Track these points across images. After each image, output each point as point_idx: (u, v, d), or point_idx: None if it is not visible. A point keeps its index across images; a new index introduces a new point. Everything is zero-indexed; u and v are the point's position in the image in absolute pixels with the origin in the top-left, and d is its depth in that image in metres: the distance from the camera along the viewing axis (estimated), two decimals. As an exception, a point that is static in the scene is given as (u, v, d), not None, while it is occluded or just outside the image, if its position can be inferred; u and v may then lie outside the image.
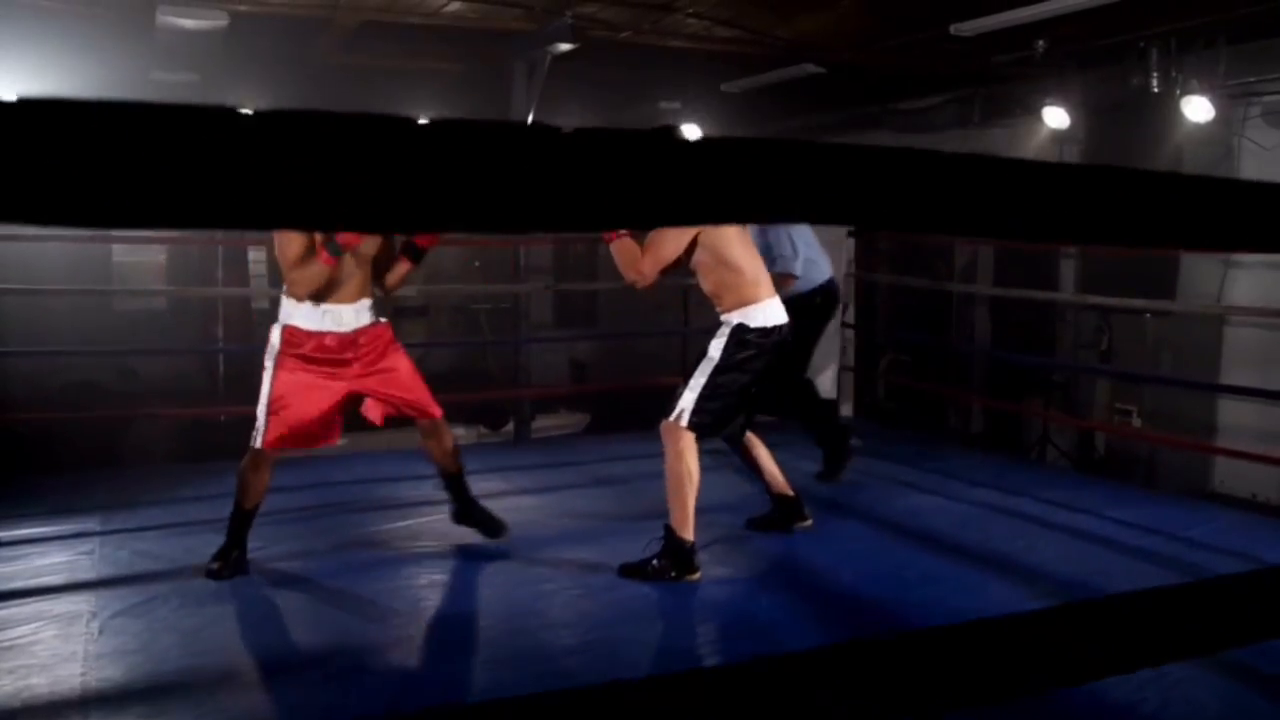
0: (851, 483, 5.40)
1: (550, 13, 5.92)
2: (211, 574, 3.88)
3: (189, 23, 5.89)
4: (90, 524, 4.59)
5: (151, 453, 7.27)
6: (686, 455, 3.83)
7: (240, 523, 3.97)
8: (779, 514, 4.44)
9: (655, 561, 3.86)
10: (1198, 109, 6.11)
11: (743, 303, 3.93)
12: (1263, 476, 6.13)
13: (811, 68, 7.21)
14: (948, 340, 8.48)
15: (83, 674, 3.09)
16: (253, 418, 3.90)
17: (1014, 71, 7.39)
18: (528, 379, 6.75)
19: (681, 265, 3.97)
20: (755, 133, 10.57)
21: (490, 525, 4.30)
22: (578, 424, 7.97)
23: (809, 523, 4.45)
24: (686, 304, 11.89)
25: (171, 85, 7.51)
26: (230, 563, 3.92)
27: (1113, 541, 4.41)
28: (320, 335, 3.87)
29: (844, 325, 7.02)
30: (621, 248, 3.90)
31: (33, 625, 3.44)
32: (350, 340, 3.93)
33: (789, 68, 7.32)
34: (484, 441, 7.24)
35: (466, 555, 4.22)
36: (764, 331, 3.92)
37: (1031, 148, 8.06)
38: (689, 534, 3.83)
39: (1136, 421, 6.91)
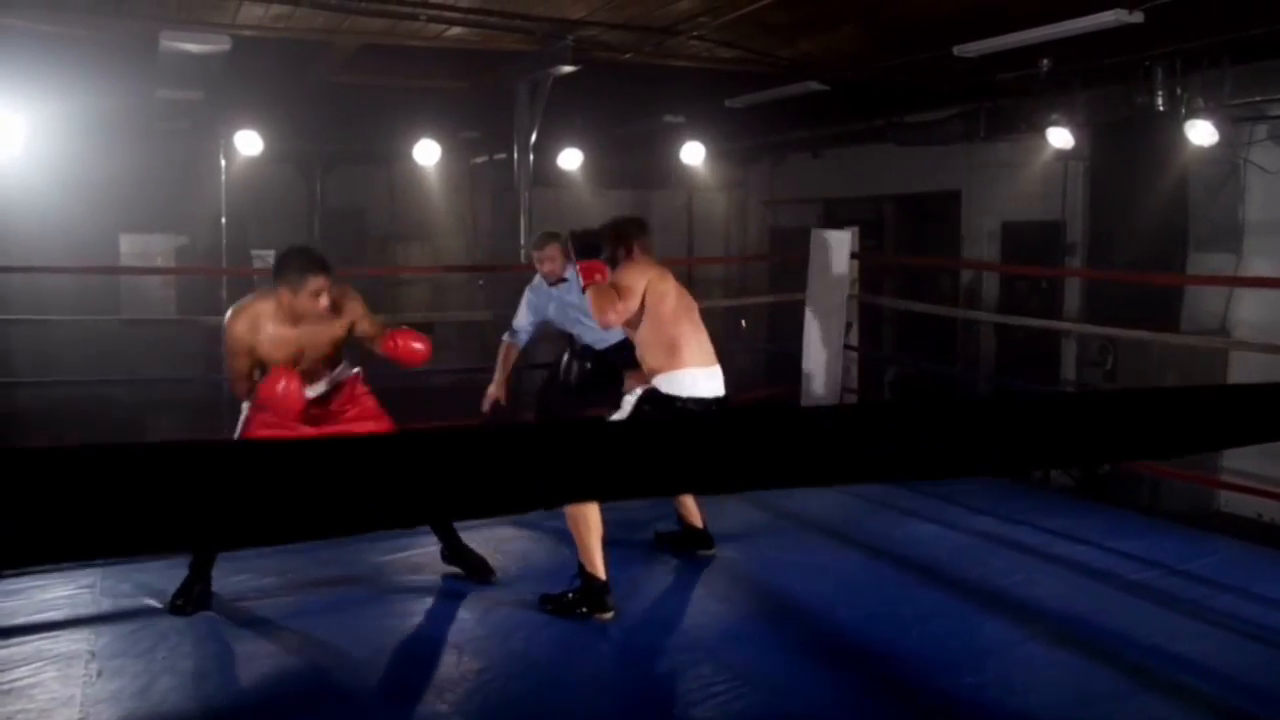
0: (851, 509, 5.41)
1: (551, 36, 5.92)
2: (175, 610, 3.90)
3: (192, 46, 5.92)
4: (92, 554, 4.62)
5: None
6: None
7: (206, 558, 3.99)
8: (687, 540, 4.64)
9: (570, 595, 3.95)
10: (1202, 133, 6.08)
11: (666, 367, 4.01)
12: (1267, 497, 6.10)
13: (815, 85, 7.20)
14: (948, 364, 8.48)
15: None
16: None
17: (1019, 87, 7.36)
18: (528, 404, 6.74)
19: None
20: (760, 143, 10.57)
21: (478, 568, 4.33)
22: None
23: (712, 551, 4.61)
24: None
25: (177, 102, 7.56)
26: (194, 598, 3.95)
27: (1111, 575, 4.39)
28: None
29: (847, 347, 7.03)
30: (598, 293, 3.99)
31: (32, 666, 3.47)
32: (318, 399, 4.02)
33: (792, 84, 7.31)
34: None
35: (468, 590, 4.23)
36: (681, 400, 3.98)
37: (1038, 164, 8.04)
38: (600, 572, 3.91)
39: (1141, 441, 6.87)
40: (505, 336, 5.46)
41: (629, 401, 4.05)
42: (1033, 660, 3.62)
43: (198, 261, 9.99)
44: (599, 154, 9.85)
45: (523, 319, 5.46)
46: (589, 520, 3.91)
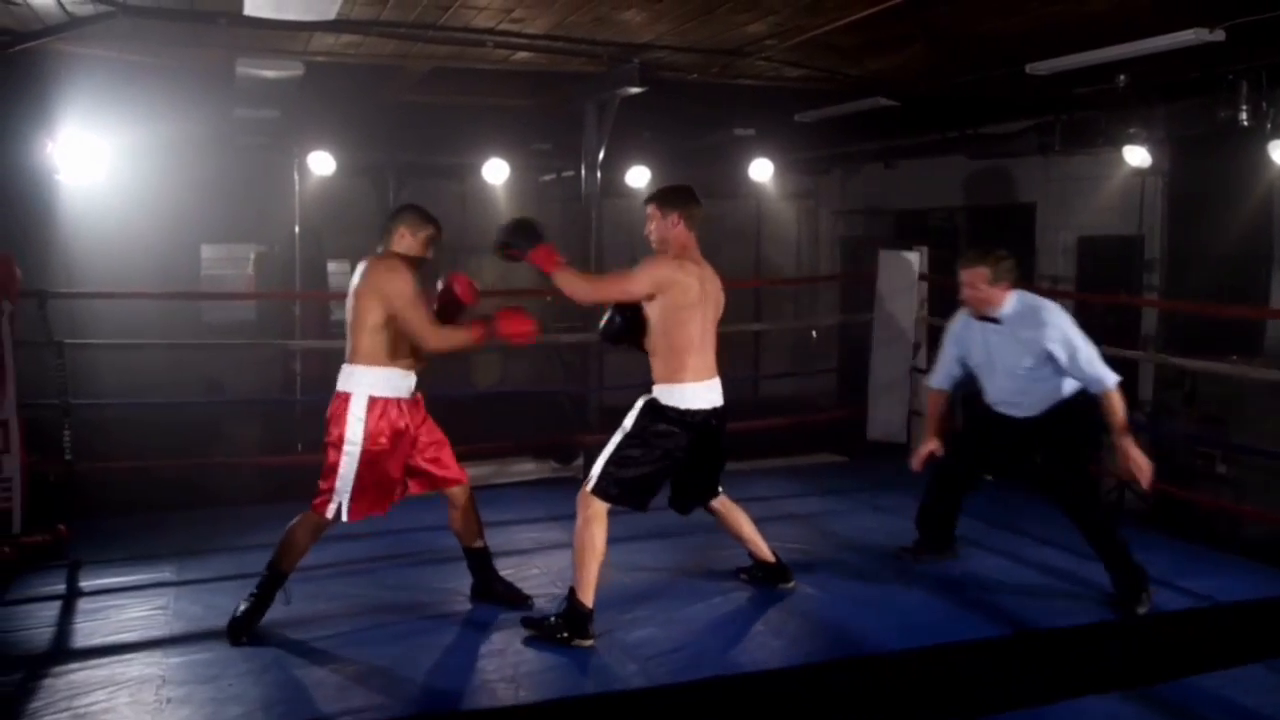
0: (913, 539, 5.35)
1: (618, 59, 5.94)
2: (235, 642, 3.96)
3: (268, 72, 6.08)
4: (166, 573, 4.76)
5: (231, 481, 7.46)
6: (593, 524, 3.94)
7: (275, 584, 4.06)
8: (764, 576, 4.57)
9: (552, 619, 3.99)
10: (1287, 154, 5.88)
11: (667, 378, 4.00)
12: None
13: (884, 100, 7.12)
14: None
15: (150, 749, 3.21)
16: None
17: (1096, 101, 7.19)
18: (597, 421, 6.78)
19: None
20: (831, 154, 10.46)
21: (514, 599, 4.35)
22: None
23: (791, 585, 4.53)
24: (758, 349, 11.89)
25: (254, 121, 7.75)
26: (251, 630, 4.00)
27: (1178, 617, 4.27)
28: (397, 402, 3.99)
29: (915, 369, 6.93)
30: (567, 279, 3.96)
31: (107, 691, 3.57)
32: (412, 406, 4.07)
33: (861, 100, 7.24)
34: (554, 477, 7.30)
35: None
36: (679, 412, 3.98)
37: (1116, 178, 7.85)
38: (588, 600, 3.94)
39: (1220, 467, 6.68)
40: (928, 381, 4.90)
41: (630, 418, 4.03)
42: (1096, 711, 3.54)
43: (275, 270, 10.22)
44: (668, 165, 9.84)
45: (944, 357, 4.72)
46: (596, 547, 3.93)
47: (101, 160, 6.83)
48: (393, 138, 9.09)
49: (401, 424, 3.99)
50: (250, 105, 7.21)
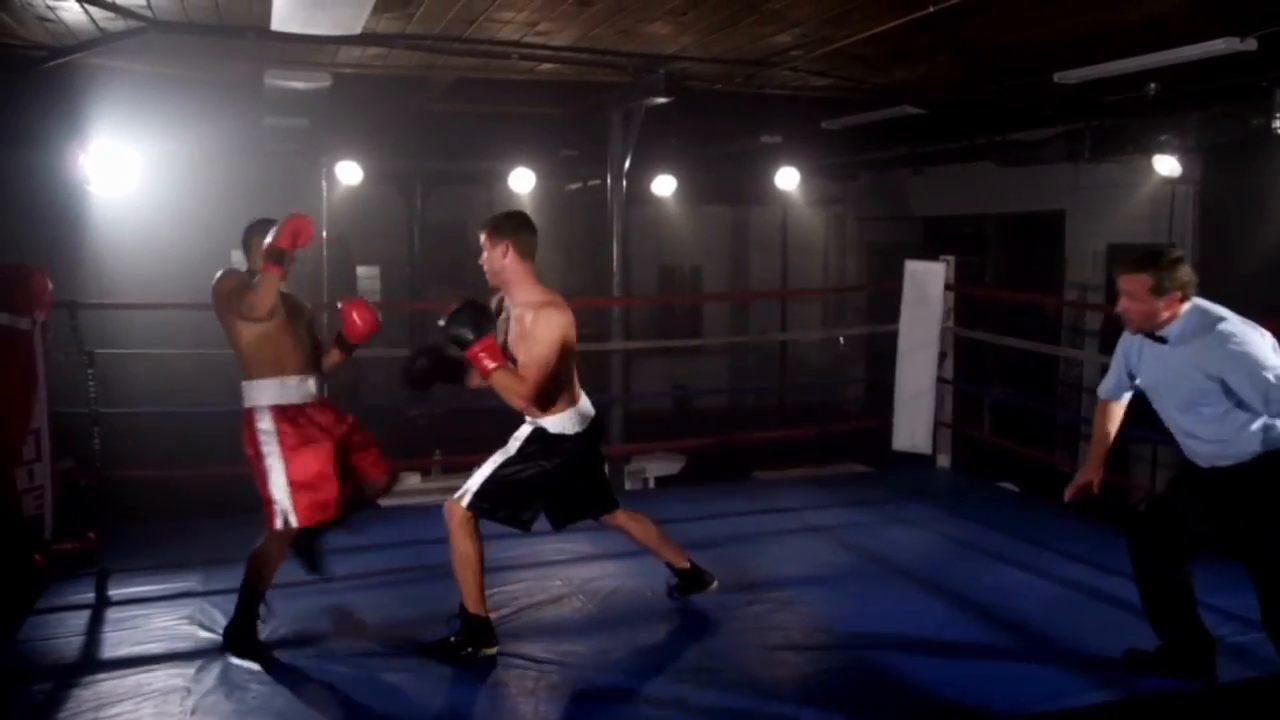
0: (940, 552, 5.31)
1: (643, 70, 5.95)
2: (238, 652, 3.95)
3: (296, 84, 6.14)
4: (193, 582, 4.80)
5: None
6: (461, 535, 3.90)
7: (255, 603, 4.03)
8: (683, 584, 4.47)
9: (453, 638, 3.99)
10: (1320, 162, 5.79)
11: (550, 410, 3.94)
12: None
13: (910, 109, 7.09)
14: (1050, 396, 8.22)
15: (174, 761, 3.24)
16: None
17: (1126, 108, 7.13)
18: (621, 429, 6.80)
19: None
20: (858, 160, 10.43)
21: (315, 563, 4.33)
22: (674, 464, 8.02)
23: (715, 585, 4.44)
24: (784, 359, 11.87)
25: (284, 129, 7.82)
26: (253, 647, 3.98)
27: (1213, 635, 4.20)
28: (301, 408, 3.98)
29: (941, 380, 6.89)
30: (501, 380, 3.78)
31: (133, 701, 3.62)
32: (320, 410, 4.05)
33: (888, 108, 7.21)
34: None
35: (559, 629, 4.28)
36: (560, 438, 3.96)
37: (1146, 185, 7.78)
38: (481, 609, 3.96)
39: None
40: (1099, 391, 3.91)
41: (514, 442, 3.99)
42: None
43: (303, 276, 10.30)
44: (695, 171, 9.86)
45: (1115, 366, 3.76)
46: (471, 556, 3.90)
47: (132, 170, 6.92)
48: (419, 146, 9.15)
49: (314, 424, 3.97)
50: (280, 114, 7.29)
